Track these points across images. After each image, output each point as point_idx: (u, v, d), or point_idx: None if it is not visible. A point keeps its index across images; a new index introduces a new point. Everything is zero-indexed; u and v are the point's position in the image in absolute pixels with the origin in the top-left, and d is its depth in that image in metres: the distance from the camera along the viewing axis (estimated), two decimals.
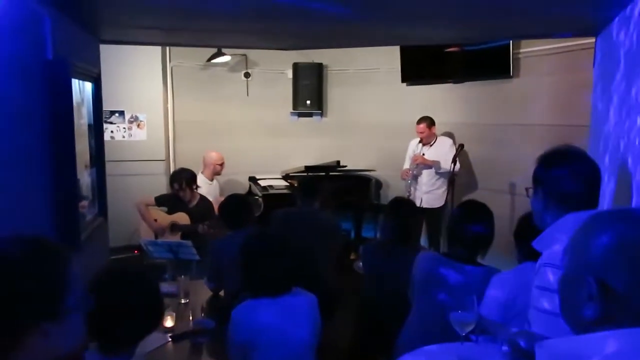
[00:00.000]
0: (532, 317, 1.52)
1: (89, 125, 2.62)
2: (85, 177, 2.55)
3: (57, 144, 1.96)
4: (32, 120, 1.85)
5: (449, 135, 5.01)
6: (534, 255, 1.58)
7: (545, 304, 1.45)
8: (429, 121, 4.76)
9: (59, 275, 0.91)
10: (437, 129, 4.98)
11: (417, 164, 4.77)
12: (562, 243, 1.44)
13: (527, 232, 1.87)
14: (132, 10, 2.30)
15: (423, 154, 4.79)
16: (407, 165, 4.93)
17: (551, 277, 1.44)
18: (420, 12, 2.36)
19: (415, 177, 4.84)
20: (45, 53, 1.93)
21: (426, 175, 4.81)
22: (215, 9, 2.21)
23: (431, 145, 4.81)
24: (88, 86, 2.59)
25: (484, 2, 2.03)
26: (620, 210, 0.91)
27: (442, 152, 4.76)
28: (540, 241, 1.54)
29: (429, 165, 4.74)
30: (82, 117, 2.45)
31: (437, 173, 4.76)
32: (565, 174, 1.50)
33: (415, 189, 4.85)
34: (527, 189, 1.65)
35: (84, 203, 2.49)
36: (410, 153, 4.93)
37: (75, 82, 2.23)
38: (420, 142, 4.84)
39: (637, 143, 1.66)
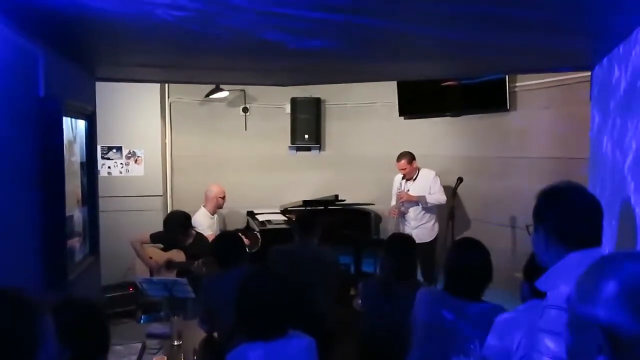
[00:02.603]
0: None
1: (82, 163, 2.59)
2: (76, 215, 2.50)
3: (46, 182, 1.92)
4: (21, 158, 1.82)
5: (446, 169, 5.00)
6: (541, 294, 1.52)
7: (551, 348, 1.38)
8: (409, 157, 4.76)
9: (29, 331, 0.86)
10: (436, 162, 4.97)
11: (403, 202, 4.74)
12: (567, 283, 1.39)
13: (535, 270, 1.82)
14: (128, 48, 2.30)
15: (407, 190, 4.77)
16: (394, 202, 4.91)
17: (557, 319, 1.37)
18: (417, 50, 2.37)
19: (403, 214, 4.81)
20: (36, 90, 1.91)
21: (413, 211, 4.79)
22: (211, 47, 2.22)
23: (414, 180, 4.80)
24: (81, 123, 2.58)
25: (479, 40, 2.03)
26: (627, 254, 0.85)
27: (425, 185, 4.75)
28: (544, 281, 1.49)
29: (415, 201, 4.72)
30: (74, 154, 2.43)
31: (423, 208, 4.73)
32: (566, 212, 1.46)
33: (404, 225, 4.82)
34: (527, 227, 1.60)
35: (75, 240, 2.44)
36: (395, 189, 4.92)
37: (67, 120, 2.22)
38: (403, 177, 4.82)
39: (638, 179, 1.62)
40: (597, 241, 1.46)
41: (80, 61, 2.51)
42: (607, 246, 1.90)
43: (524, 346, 1.74)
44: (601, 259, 0.87)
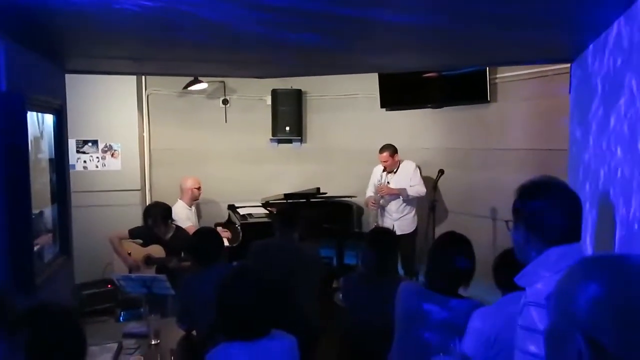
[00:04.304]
0: (517, 359, 1.44)
1: (50, 160, 2.49)
2: (46, 214, 2.41)
3: (10, 181, 1.83)
4: None
5: (428, 161, 4.99)
6: (514, 287, 1.51)
7: (531, 346, 1.38)
8: (391, 149, 4.75)
9: None
10: (417, 154, 4.96)
11: (383, 195, 4.73)
12: (546, 279, 1.38)
13: (506, 267, 1.82)
14: (97, 40, 2.21)
15: (388, 183, 4.76)
16: (370, 193, 4.91)
17: (536, 316, 1.36)
18: (397, 42, 2.33)
19: (383, 207, 4.80)
20: None
21: (395, 204, 4.79)
22: (184, 39, 2.14)
23: (395, 172, 4.79)
24: (49, 118, 2.47)
25: (459, 32, 2.00)
26: (608, 257, 0.82)
27: (406, 177, 4.75)
28: (523, 277, 1.48)
29: (395, 194, 4.70)
30: (42, 151, 2.33)
31: (404, 200, 4.73)
32: (546, 207, 1.44)
33: (384, 217, 4.80)
34: (507, 222, 1.59)
35: (44, 239, 2.35)
36: (374, 180, 4.91)
37: (33, 115, 2.12)
38: (384, 170, 4.81)
39: (618, 173, 1.61)
40: (576, 236, 1.45)
41: (47, 53, 2.40)
42: (586, 240, 1.90)
43: (501, 340, 1.75)
44: (585, 260, 0.84)
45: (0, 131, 1.80)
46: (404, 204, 4.77)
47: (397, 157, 4.79)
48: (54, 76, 2.69)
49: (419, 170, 4.79)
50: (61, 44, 2.32)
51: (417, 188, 4.69)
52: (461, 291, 2.16)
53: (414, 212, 4.81)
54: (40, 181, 2.28)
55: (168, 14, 1.67)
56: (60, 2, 1.58)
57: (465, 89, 4.67)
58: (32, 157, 2.01)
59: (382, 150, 4.75)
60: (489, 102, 4.56)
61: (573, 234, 1.44)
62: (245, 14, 1.73)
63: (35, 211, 2.08)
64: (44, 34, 2.06)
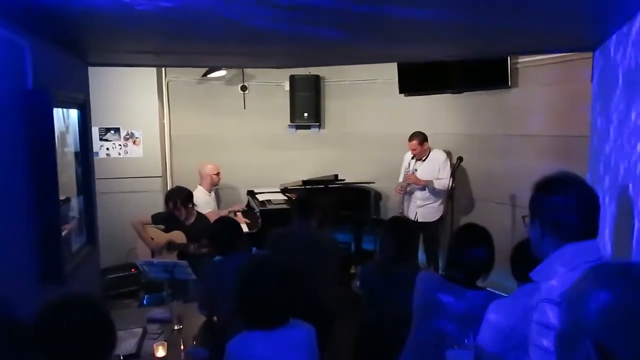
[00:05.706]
0: (532, 354, 1.45)
1: (76, 153, 2.56)
2: (72, 205, 2.49)
3: (38, 178, 1.89)
4: (11, 153, 1.78)
5: (447, 147, 4.96)
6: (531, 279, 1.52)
7: (545, 342, 1.39)
8: (420, 137, 4.71)
9: None
10: (436, 140, 4.92)
11: (409, 184, 4.72)
12: (561, 276, 1.39)
13: (523, 259, 1.82)
14: (118, 36, 2.24)
15: (415, 170, 4.74)
16: (401, 179, 4.89)
17: (550, 313, 1.38)
18: (418, 34, 2.30)
19: (410, 193, 4.80)
20: (24, 84, 1.87)
21: (420, 190, 4.76)
22: (202, 34, 2.16)
23: (424, 160, 4.76)
24: (74, 112, 2.53)
25: (480, 22, 1.97)
26: (620, 265, 0.83)
27: (435, 167, 4.71)
28: (538, 273, 1.49)
29: (422, 185, 4.70)
30: (67, 145, 2.39)
31: (429, 192, 4.71)
32: (562, 204, 1.44)
33: (409, 203, 4.80)
34: (523, 217, 1.59)
35: (71, 230, 2.43)
36: (405, 166, 4.88)
37: (59, 110, 2.18)
38: (413, 157, 4.78)
39: (638, 168, 1.59)
40: (592, 233, 1.45)
41: (70, 48, 2.45)
42: (605, 234, 1.89)
43: (517, 333, 1.75)
44: (596, 267, 0.85)
45: (28, 129, 1.86)
46: (430, 193, 4.75)
47: (427, 145, 4.75)
48: (78, 71, 2.74)
49: (449, 162, 4.72)
50: (84, 40, 2.36)
51: (444, 182, 4.63)
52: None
53: (439, 201, 4.75)
54: (67, 174, 2.35)
55: (186, 13, 1.69)
56: (83, 2, 1.61)
57: (485, 74, 4.59)
58: (58, 151, 2.07)
59: (411, 138, 4.72)
60: (509, 87, 4.48)
61: (589, 231, 1.44)
62: (263, 11, 1.74)
63: (62, 197, 2.14)
64: (67, 31, 2.10)
